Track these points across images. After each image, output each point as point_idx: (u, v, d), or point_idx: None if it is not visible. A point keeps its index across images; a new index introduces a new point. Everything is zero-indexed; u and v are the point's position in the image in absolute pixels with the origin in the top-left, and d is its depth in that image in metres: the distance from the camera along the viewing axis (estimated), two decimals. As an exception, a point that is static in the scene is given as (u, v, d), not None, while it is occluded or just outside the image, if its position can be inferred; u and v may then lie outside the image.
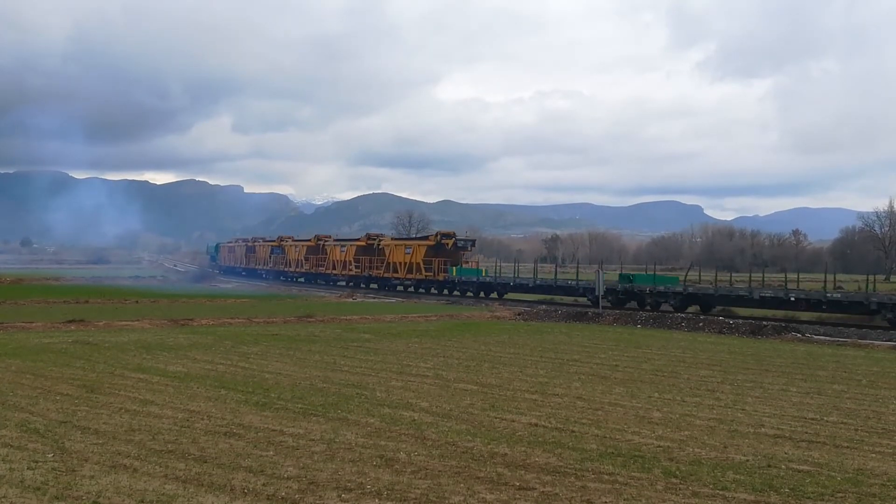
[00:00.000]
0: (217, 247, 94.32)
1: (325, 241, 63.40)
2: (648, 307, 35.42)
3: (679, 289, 35.78)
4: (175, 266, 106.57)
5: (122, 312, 30.89)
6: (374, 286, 54.49)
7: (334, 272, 59.65)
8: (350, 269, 57.11)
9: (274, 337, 22.53)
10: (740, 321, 29.24)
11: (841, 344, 24.22)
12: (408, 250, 51.59)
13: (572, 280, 42.32)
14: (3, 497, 7.27)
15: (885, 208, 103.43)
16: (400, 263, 51.74)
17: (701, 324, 28.95)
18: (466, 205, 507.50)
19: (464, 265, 48.66)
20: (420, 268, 49.52)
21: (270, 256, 70.74)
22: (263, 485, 7.80)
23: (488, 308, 37.77)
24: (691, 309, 34.88)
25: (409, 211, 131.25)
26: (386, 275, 53.04)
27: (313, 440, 9.80)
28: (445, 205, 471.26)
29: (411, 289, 50.90)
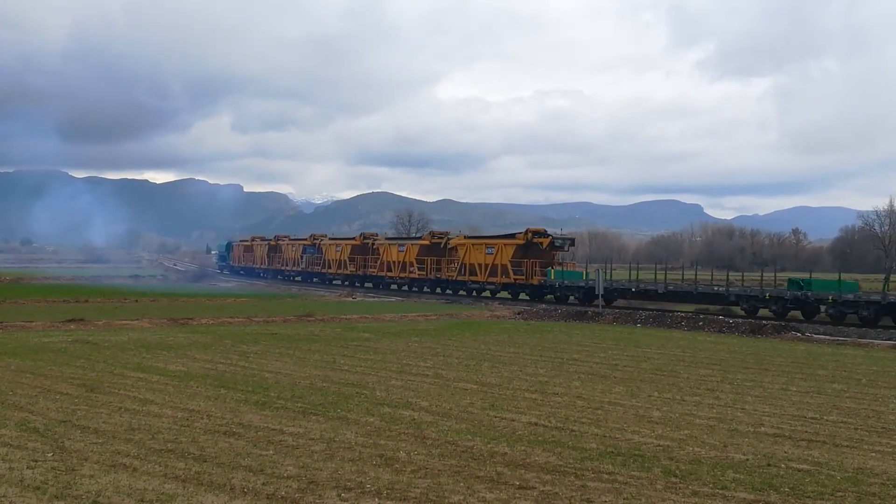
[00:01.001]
0: (228, 245, 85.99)
1: (376, 239, 57.54)
2: (829, 318, 30.10)
3: (876, 297, 29.92)
4: (175, 265, 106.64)
5: (121, 311, 30.90)
6: (440, 290, 48.68)
7: (389, 274, 53.15)
8: (412, 272, 50.36)
9: (273, 336, 22.54)
10: (740, 320, 29.24)
11: (840, 343, 24.22)
12: (489, 250, 44.62)
13: (719, 286, 35.26)
14: (3, 496, 7.27)
15: (885, 207, 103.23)
16: (479, 265, 45.20)
17: (701, 323, 28.94)
18: (466, 204, 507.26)
19: (556, 267, 42.24)
20: (507, 270, 43.09)
21: (303, 256, 64.06)
22: (263, 484, 7.80)
23: (488, 307, 37.77)
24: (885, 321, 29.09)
25: (408, 210, 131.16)
26: (459, 278, 46.35)
27: (313, 439, 9.80)
28: (445, 204, 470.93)
29: (486, 293, 45.45)
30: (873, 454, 9.74)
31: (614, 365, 17.80)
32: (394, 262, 52.74)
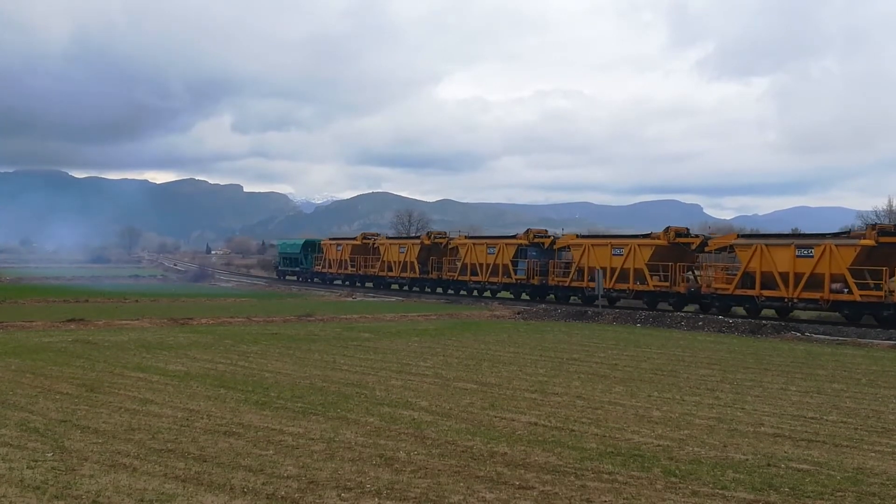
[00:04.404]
0: (308, 245, 63.16)
1: (729, 240, 34.15)
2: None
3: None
4: (175, 265, 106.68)
5: (121, 311, 30.89)
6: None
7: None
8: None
9: (274, 336, 22.53)
10: (740, 320, 29.23)
11: (840, 343, 24.21)
12: None
13: None
14: (3, 496, 7.27)
15: (885, 207, 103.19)
16: None
17: (700, 323, 28.93)
18: (466, 204, 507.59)
19: None
20: None
21: (516, 263, 42.15)
22: (263, 484, 7.80)
23: (488, 307, 37.77)
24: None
25: (408, 210, 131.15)
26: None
27: (313, 439, 9.80)
28: (445, 204, 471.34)
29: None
30: (873, 454, 9.74)
31: (614, 365, 17.80)
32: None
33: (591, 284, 36.52)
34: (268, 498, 7.39)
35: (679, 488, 8.01)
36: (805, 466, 9.02)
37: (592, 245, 38.22)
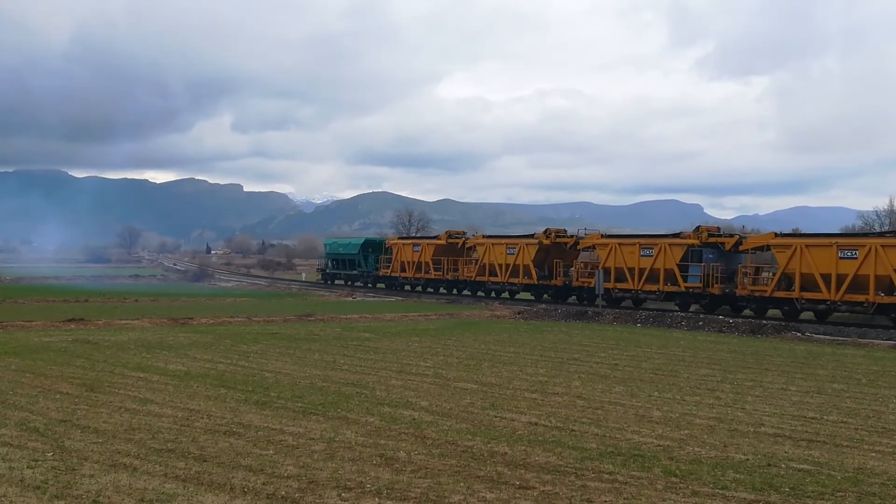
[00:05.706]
0: (370, 245, 54.97)
1: None
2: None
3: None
4: (175, 265, 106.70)
5: (121, 311, 30.89)
6: None
7: None
8: None
9: (274, 336, 22.53)
10: (740, 320, 29.22)
11: (841, 343, 24.20)
12: None
13: None
14: (3, 496, 7.26)
15: (885, 207, 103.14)
16: None
17: (701, 323, 28.93)
18: (467, 203, 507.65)
19: None
20: None
21: (689, 267, 34.54)
22: (263, 483, 7.80)
23: (488, 307, 37.75)
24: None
25: (408, 210, 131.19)
26: None
27: (313, 439, 9.79)
28: (445, 203, 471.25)
29: None
30: (873, 454, 9.74)
31: (614, 365, 17.79)
32: None
33: (810, 295, 29.69)
34: (268, 498, 7.39)
35: (679, 488, 8.01)
36: (805, 466, 9.02)
37: (807, 246, 30.39)
